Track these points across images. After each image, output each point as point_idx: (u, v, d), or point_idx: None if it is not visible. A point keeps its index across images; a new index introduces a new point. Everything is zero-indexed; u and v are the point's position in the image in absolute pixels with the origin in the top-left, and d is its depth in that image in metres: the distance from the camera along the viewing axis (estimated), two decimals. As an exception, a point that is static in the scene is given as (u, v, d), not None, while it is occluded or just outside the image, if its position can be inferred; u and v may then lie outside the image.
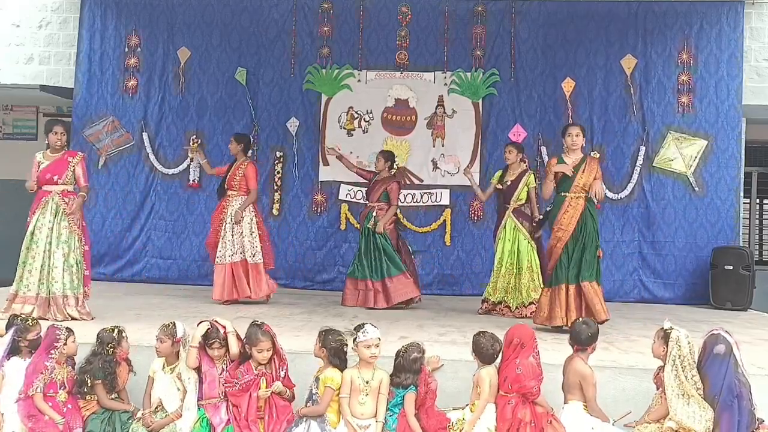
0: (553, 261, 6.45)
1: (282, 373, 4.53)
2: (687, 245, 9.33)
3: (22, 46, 10.19)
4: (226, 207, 7.74)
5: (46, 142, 6.46)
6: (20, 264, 6.30)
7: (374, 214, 7.96)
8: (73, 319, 6.10)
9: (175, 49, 9.88)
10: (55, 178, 6.33)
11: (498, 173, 7.89)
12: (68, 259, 6.30)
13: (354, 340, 4.50)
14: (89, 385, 4.52)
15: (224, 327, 4.60)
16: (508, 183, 7.66)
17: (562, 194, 6.45)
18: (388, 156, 8.21)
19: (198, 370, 4.52)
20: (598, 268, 6.39)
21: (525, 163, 7.91)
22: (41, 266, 6.25)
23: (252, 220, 7.75)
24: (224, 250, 7.64)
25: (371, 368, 4.47)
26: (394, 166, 8.32)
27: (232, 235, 7.64)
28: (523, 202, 7.68)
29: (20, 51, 10.19)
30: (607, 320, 6.30)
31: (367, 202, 8.25)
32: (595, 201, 6.49)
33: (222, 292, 7.61)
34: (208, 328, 4.56)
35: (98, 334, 4.66)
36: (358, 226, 8.56)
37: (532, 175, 7.83)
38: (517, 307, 7.51)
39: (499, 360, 4.52)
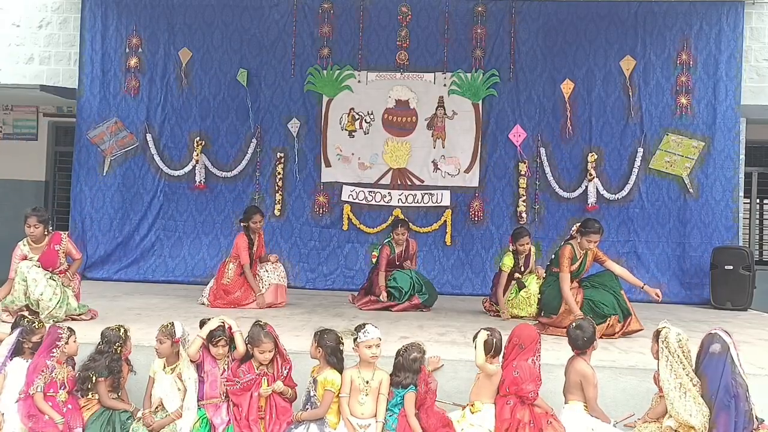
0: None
1: (285, 373, 4.55)
2: (682, 246, 9.36)
3: (22, 46, 10.21)
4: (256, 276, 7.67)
5: (26, 234, 6.21)
6: (7, 282, 6.15)
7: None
8: (73, 319, 6.07)
9: (176, 49, 9.89)
10: (50, 269, 6.19)
11: (509, 260, 7.62)
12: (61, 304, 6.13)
13: (355, 340, 4.51)
14: (93, 382, 4.53)
15: (230, 326, 4.62)
16: (522, 269, 7.66)
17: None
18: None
19: (199, 370, 4.53)
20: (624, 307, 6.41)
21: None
22: (23, 280, 6.05)
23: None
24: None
25: (371, 368, 4.48)
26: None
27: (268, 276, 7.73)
28: None
29: (20, 51, 10.21)
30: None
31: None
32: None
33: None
34: (218, 325, 4.57)
35: (103, 332, 4.68)
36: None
37: (534, 248, 7.85)
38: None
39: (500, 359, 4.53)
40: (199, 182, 9.76)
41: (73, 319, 6.05)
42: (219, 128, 9.84)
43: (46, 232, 6.24)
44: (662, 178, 9.41)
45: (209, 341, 4.57)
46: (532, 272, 7.66)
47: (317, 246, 9.71)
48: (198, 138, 9.78)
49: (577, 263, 6.38)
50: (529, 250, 7.74)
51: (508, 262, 7.62)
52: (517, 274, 7.63)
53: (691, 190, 9.35)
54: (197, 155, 9.72)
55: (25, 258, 6.19)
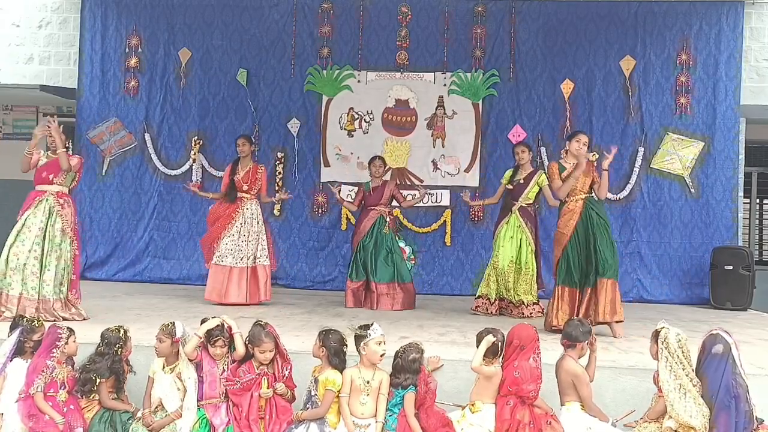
0: (555, 263, 6.58)
1: (286, 373, 4.54)
2: (683, 246, 9.36)
3: (22, 46, 10.22)
4: (239, 209, 7.68)
5: (47, 144, 6.43)
6: (2, 260, 6.17)
7: (388, 219, 8.05)
8: (64, 319, 6.06)
9: (175, 49, 9.90)
10: (51, 176, 6.26)
11: (508, 173, 7.84)
12: (59, 263, 6.24)
13: (359, 338, 4.49)
14: (96, 383, 4.53)
15: (230, 327, 4.61)
16: (520, 181, 7.64)
17: (563, 200, 6.51)
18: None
19: (198, 370, 4.53)
20: (613, 268, 6.29)
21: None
22: (24, 265, 6.13)
23: (262, 222, 7.82)
24: (230, 253, 7.60)
25: (372, 368, 4.48)
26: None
27: (243, 240, 7.63)
28: (531, 201, 7.69)
29: (20, 51, 10.21)
30: (610, 323, 6.21)
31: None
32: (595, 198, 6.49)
33: (220, 295, 7.57)
34: (216, 325, 4.57)
35: (103, 334, 4.66)
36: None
37: (544, 174, 7.79)
38: (517, 305, 7.48)
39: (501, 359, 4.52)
40: (196, 181, 9.76)
41: (63, 320, 6.02)
42: (217, 128, 9.84)
43: (66, 146, 6.35)
44: (664, 177, 9.42)
45: (207, 341, 4.56)
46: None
47: (315, 246, 9.71)
48: (196, 137, 9.78)
49: (575, 174, 6.35)
50: (530, 172, 7.67)
51: (507, 175, 7.78)
52: (508, 185, 7.66)
53: (692, 190, 9.35)
54: (194, 154, 9.72)
55: (38, 159, 6.31)
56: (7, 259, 6.17)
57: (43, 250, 6.18)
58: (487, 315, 7.50)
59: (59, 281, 6.24)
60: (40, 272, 6.17)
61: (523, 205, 7.63)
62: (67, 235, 6.29)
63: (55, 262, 6.21)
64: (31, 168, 6.42)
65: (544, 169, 9.36)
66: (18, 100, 10.71)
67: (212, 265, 7.63)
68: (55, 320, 5.94)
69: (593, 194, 6.45)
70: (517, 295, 7.50)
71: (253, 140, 8.15)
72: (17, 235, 6.18)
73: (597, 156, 9.33)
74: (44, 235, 6.19)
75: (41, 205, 6.23)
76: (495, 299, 7.60)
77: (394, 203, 8.30)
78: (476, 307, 7.65)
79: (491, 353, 4.46)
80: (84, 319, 6.23)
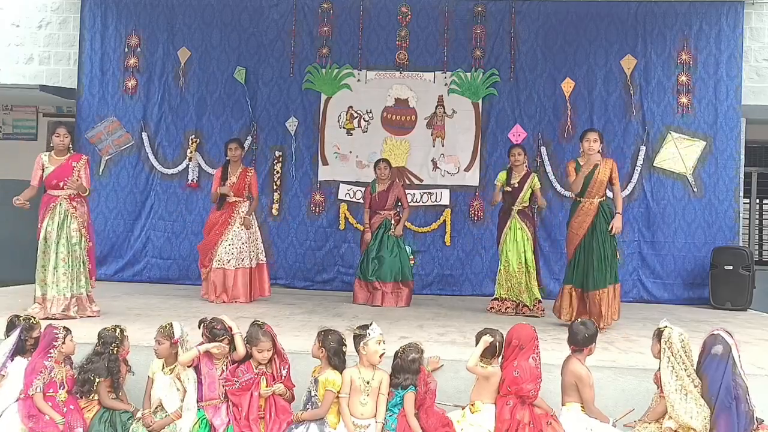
0: (568, 260, 6.82)
1: (284, 373, 4.54)
2: (686, 245, 9.33)
3: (22, 46, 10.20)
4: (233, 213, 7.82)
5: (51, 145, 6.55)
6: (40, 268, 6.40)
7: (393, 221, 8.22)
8: (70, 318, 6.16)
9: (175, 49, 9.88)
10: (61, 183, 6.44)
11: (502, 175, 7.87)
12: (75, 261, 6.43)
13: (358, 338, 4.49)
14: (94, 383, 4.52)
15: (230, 328, 4.61)
16: (515, 185, 7.71)
17: (577, 199, 6.68)
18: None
19: (197, 371, 4.52)
20: (615, 272, 6.60)
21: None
22: (54, 268, 6.36)
23: (256, 222, 8.03)
24: (229, 255, 7.75)
25: (372, 368, 4.47)
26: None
27: (243, 242, 7.79)
28: (527, 204, 7.77)
29: (20, 51, 10.20)
30: (604, 328, 6.38)
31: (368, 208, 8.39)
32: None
33: (221, 296, 7.75)
34: (217, 325, 4.57)
35: (100, 333, 4.66)
36: (362, 227, 8.58)
37: (536, 176, 7.89)
38: (535, 305, 7.60)
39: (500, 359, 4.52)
40: (192, 180, 9.75)
41: (70, 318, 6.11)
42: (214, 126, 9.82)
43: (70, 146, 6.55)
44: (667, 176, 9.39)
45: (212, 340, 4.55)
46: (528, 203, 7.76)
47: (314, 246, 9.69)
48: (193, 136, 9.78)
49: (585, 171, 6.54)
50: (524, 174, 7.75)
51: (501, 176, 7.84)
52: (507, 188, 7.72)
53: (695, 189, 9.33)
54: (191, 153, 9.71)
55: (43, 168, 6.46)
56: (43, 266, 6.40)
57: (64, 251, 6.40)
58: (499, 314, 7.57)
59: (76, 276, 6.44)
60: (57, 271, 6.37)
61: (521, 207, 7.70)
62: (82, 233, 6.51)
63: (71, 261, 6.42)
64: (40, 181, 6.54)
65: (545, 168, 9.41)
66: (18, 100, 10.71)
67: (213, 269, 7.78)
68: (62, 318, 6.05)
69: (606, 198, 6.69)
70: (531, 294, 7.61)
71: (243, 145, 8.26)
72: (45, 242, 6.40)
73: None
74: (61, 238, 6.40)
75: (56, 210, 6.43)
76: (507, 299, 7.71)
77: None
78: (491, 308, 7.78)
79: (489, 353, 4.46)
80: (98, 316, 6.44)
